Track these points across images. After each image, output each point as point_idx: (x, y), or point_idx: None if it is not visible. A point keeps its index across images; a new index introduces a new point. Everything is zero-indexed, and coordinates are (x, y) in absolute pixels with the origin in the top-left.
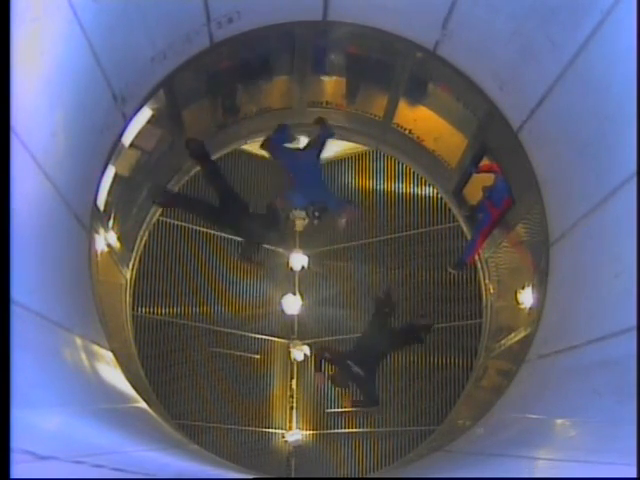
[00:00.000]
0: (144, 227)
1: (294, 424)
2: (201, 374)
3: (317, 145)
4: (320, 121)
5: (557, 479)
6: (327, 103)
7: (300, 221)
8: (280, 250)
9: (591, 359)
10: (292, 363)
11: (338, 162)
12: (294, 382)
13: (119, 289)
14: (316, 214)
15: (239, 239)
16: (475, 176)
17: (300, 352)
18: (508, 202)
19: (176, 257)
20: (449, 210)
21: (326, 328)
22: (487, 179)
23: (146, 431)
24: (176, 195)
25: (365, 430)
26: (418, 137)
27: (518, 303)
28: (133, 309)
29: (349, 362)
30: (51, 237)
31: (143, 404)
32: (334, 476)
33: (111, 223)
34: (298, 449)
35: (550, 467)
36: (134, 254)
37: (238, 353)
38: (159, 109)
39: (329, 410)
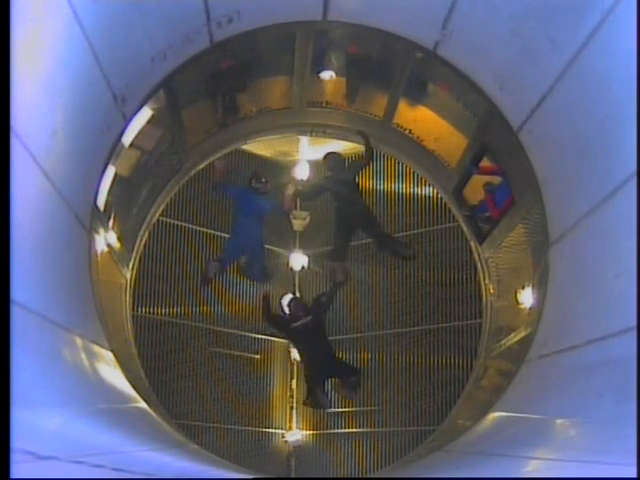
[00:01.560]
0: (144, 227)
1: (294, 424)
2: (201, 374)
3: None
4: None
5: (557, 479)
6: (327, 103)
7: (300, 221)
8: (280, 250)
9: (591, 359)
10: (292, 363)
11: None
12: (294, 382)
13: (119, 289)
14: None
15: None
16: (476, 176)
17: None
18: (509, 202)
19: (176, 257)
20: (449, 210)
21: (327, 328)
22: (491, 177)
23: (146, 431)
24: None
25: (365, 430)
26: (418, 137)
27: (518, 303)
28: (133, 309)
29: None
30: (51, 237)
31: (143, 404)
32: (334, 476)
33: (111, 223)
34: (298, 449)
35: (550, 467)
36: (134, 254)
37: (238, 353)
38: (159, 109)
39: (329, 410)
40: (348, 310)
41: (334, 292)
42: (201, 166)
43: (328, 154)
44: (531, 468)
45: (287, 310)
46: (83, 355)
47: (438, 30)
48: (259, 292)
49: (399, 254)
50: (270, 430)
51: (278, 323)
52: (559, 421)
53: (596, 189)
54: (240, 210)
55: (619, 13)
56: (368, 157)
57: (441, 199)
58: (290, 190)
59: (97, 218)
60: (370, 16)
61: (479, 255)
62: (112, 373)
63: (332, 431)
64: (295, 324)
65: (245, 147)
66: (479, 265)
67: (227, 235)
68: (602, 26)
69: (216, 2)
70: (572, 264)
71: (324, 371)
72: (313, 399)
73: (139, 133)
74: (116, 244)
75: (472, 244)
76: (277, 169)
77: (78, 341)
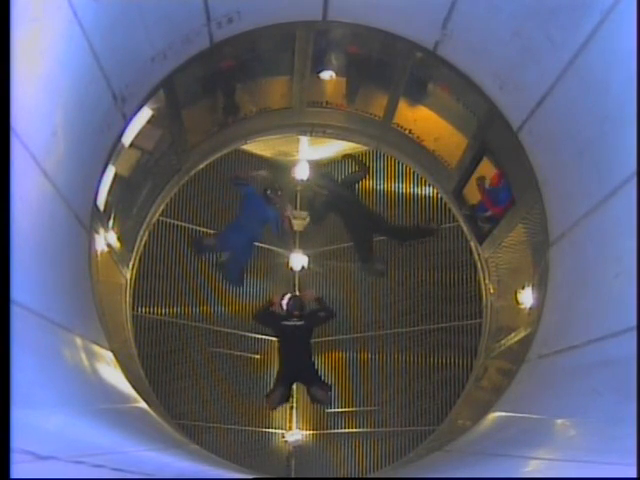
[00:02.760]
0: (144, 227)
1: (294, 424)
2: (201, 374)
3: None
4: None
5: (557, 479)
6: (327, 103)
7: (300, 221)
8: (280, 250)
9: (591, 359)
10: None
11: (338, 162)
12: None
13: (119, 289)
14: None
15: None
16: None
17: None
18: (510, 203)
19: (176, 257)
20: (449, 210)
21: (326, 328)
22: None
23: (146, 431)
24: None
25: (365, 430)
26: (418, 137)
27: (518, 303)
28: (133, 309)
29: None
30: (51, 237)
31: (143, 404)
32: (334, 476)
33: (111, 223)
34: (298, 449)
35: (550, 467)
36: (134, 254)
37: (238, 353)
38: (159, 109)
39: (329, 410)
40: (348, 310)
41: (330, 314)
42: (201, 166)
43: (320, 175)
44: (531, 468)
45: (284, 307)
46: (83, 355)
47: (438, 30)
48: (259, 292)
49: (421, 232)
50: (270, 430)
51: (268, 318)
52: (559, 421)
53: (596, 189)
54: (245, 210)
55: (619, 13)
56: (363, 172)
57: (441, 199)
58: (288, 212)
59: (97, 218)
60: (370, 16)
61: (479, 255)
62: (112, 373)
63: (332, 431)
64: (286, 322)
65: (245, 147)
66: (479, 265)
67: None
68: (602, 26)
69: (216, 2)
70: (572, 264)
71: (296, 375)
72: (271, 396)
73: (139, 133)
74: (116, 244)
75: (472, 244)
76: (277, 169)
77: (78, 341)
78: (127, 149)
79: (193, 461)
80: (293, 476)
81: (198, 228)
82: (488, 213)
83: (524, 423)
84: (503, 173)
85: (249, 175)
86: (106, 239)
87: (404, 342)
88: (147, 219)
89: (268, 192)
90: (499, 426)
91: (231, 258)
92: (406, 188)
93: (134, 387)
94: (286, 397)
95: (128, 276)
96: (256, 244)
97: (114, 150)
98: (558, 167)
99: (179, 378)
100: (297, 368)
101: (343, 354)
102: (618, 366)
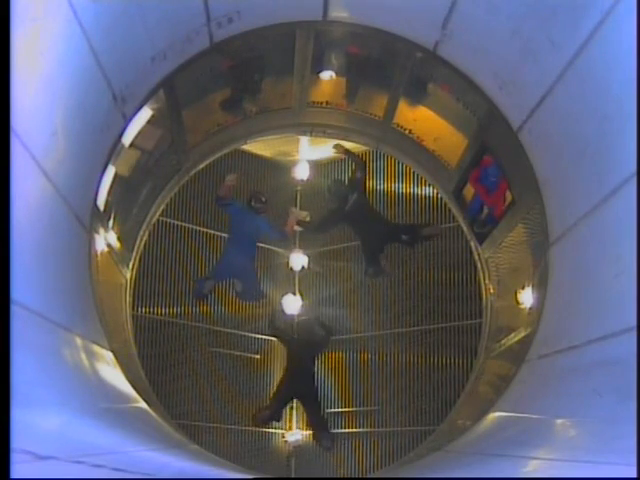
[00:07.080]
0: (144, 227)
1: (294, 424)
2: (201, 374)
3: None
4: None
5: (557, 479)
6: (327, 103)
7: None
8: (280, 250)
9: (591, 359)
10: None
11: (338, 162)
12: None
13: (119, 289)
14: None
15: None
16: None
17: None
18: (503, 186)
19: (176, 257)
20: (449, 210)
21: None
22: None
23: (146, 431)
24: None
25: (365, 430)
26: (418, 137)
27: (518, 303)
28: (133, 309)
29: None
30: (51, 237)
31: (143, 404)
32: (334, 476)
33: (111, 223)
34: (298, 449)
35: (550, 467)
36: (134, 254)
37: (238, 353)
38: (159, 109)
39: (329, 410)
40: (348, 310)
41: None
42: (201, 166)
43: (332, 183)
44: (531, 468)
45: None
46: (83, 355)
47: (438, 30)
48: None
49: (425, 236)
50: (270, 430)
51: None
52: (559, 421)
53: (596, 189)
54: (236, 229)
55: (619, 13)
56: (362, 170)
57: (441, 199)
58: (299, 215)
59: (97, 218)
60: (370, 16)
61: (479, 255)
62: (112, 373)
63: (332, 431)
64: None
65: (245, 147)
66: (479, 265)
67: (227, 235)
68: (602, 26)
69: (216, 2)
70: (572, 264)
71: (296, 393)
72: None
73: (139, 133)
74: (116, 244)
75: (472, 244)
76: (277, 169)
77: (78, 341)
78: (127, 149)
79: (193, 461)
80: (293, 476)
81: (198, 228)
82: (485, 210)
83: (524, 423)
84: (493, 158)
85: (226, 188)
86: (106, 239)
87: (404, 342)
88: (147, 219)
89: (253, 203)
90: (499, 426)
91: (242, 285)
92: (406, 188)
93: (134, 387)
94: (277, 416)
95: (128, 276)
96: (257, 244)
97: (114, 150)
98: (558, 167)
99: (179, 378)
100: (299, 387)
101: (343, 354)
102: (618, 366)
